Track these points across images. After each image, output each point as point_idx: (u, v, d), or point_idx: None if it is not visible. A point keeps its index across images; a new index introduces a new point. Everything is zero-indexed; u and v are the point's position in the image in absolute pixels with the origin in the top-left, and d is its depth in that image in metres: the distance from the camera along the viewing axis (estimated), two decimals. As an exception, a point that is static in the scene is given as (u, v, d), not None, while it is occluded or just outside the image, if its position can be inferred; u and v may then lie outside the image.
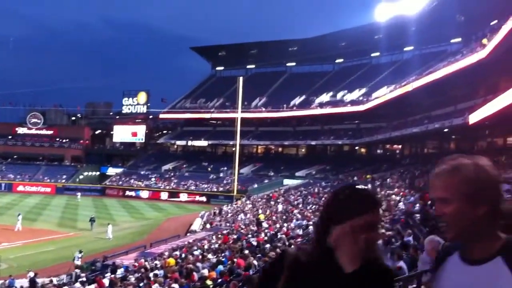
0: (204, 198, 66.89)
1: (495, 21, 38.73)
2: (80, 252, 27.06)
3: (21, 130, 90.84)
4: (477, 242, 1.73)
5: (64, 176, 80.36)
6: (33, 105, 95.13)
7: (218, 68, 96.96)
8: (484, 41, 36.33)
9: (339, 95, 72.16)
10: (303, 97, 77.53)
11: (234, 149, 67.31)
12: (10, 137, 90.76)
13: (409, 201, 26.10)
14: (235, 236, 26.81)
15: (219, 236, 29.06)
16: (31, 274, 22.83)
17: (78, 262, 26.03)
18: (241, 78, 69.47)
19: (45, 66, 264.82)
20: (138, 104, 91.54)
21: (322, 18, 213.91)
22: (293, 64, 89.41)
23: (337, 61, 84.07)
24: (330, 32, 78.23)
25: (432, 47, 66.60)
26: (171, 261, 22.49)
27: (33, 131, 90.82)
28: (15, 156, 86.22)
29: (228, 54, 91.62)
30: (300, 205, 39.72)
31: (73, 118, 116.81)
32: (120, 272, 21.86)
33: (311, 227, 22.71)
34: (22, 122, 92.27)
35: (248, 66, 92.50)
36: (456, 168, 1.73)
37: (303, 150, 79.81)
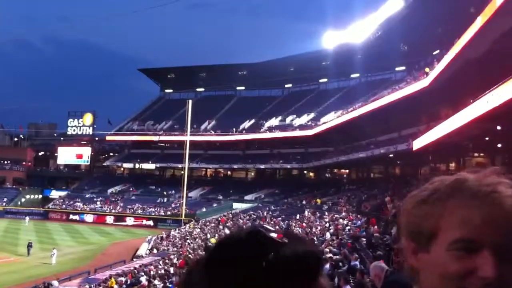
0: (151, 222, 65.67)
1: (437, 51, 40.37)
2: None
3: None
4: None
5: (5, 199, 77.27)
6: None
7: (167, 91, 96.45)
8: (427, 69, 37.74)
9: (288, 120, 73.05)
10: (253, 121, 78.02)
11: (182, 172, 66.67)
12: None
13: (356, 225, 26.49)
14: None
15: (167, 261, 28.54)
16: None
17: None
18: (190, 101, 69.26)
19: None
20: (83, 125, 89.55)
21: (271, 43, 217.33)
22: (243, 88, 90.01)
23: (286, 86, 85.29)
24: (279, 57, 79.62)
25: (378, 75, 68.73)
26: (112, 282, 21.92)
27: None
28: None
29: (177, 76, 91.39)
30: (249, 229, 39.57)
31: (16, 139, 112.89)
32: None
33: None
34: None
35: (198, 89, 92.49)
36: None
37: (252, 173, 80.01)
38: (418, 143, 33.77)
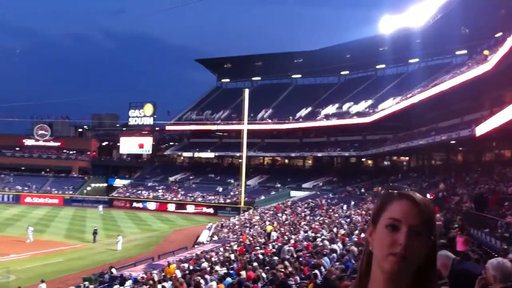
0: (211, 210, 67.00)
1: (500, 33, 38.91)
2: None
3: (28, 142, 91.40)
4: None
5: (72, 188, 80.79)
6: (40, 117, 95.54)
7: (223, 80, 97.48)
8: (486, 52, 36.45)
9: (345, 107, 72.36)
10: (309, 109, 77.76)
11: (240, 160, 67.47)
12: (17, 148, 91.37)
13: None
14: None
15: (227, 248, 29.14)
16: (43, 285, 23.02)
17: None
18: (246, 90, 69.77)
19: (52, 78, 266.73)
20: (144, 116, 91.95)
21: (327, 30, 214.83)
22: (299, 76, 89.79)
23: (342, 73, 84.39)
24: (335, 44, 78.61)
25: (437, 59, 66.85)
26: (172, 268, 22.63)
27: (41, 143, 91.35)
28: (22, 168, 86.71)
29: (233, 66, 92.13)
30: (308, 217, 39.75)
31: (80, 130, 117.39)
32: (128, 284, 21.94)
33: (318, 239, 22.78)
34: (29, 134, 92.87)
35: (254, 78, 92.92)
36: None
37: (309, 161, 79.93)
38: (481, 129, 32.84)
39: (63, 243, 41.11)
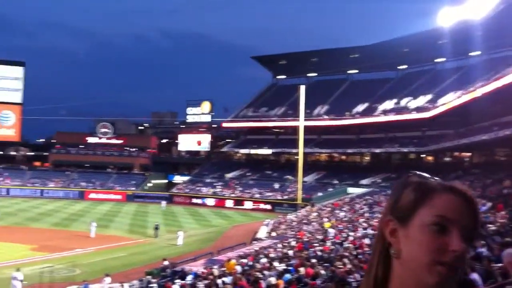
0: (268, 206, 67.45)
1: None
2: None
3: (91, 140, 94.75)
4: None
5: (134, 183, 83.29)
6: (103, 115, 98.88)
7: (279, 77, 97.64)
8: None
9: (403, 102, 71.02)
10: (366, 104, 76.81)
11: (297, 157, 67.51)
12: (81, 146, 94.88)
13: (481, 210, 25.52)
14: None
15: (285, 244, 29.39)
16: (108, 279, 23.94)
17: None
18: (302, 87, 69.66)
19: (113, 78, 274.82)
20: (202, 113, 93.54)
21: (383, 24, 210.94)
22: (355, 71, 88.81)
23: (399, 67, 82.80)
24: (392, 38, 77.16)
25: (500, 52, 64.40)
26: (232, 263, 23.03)
27: (103, 141, 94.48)
28: (86, 165, 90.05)
29: (288, 62, 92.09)
30: (366, 214, 39.45)
31: (141, 127, 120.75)
32: (189, 278, 22.51)
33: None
34: (92, 132, 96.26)
35: (309, 74, 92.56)
36: None
37: (367, 158, 78.99)
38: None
39: (126, 238, 42.48)
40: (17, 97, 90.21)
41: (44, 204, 67.01)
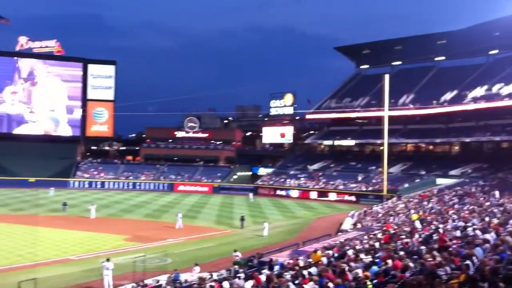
0: (353, 198, 66.80)
1: None
2: (235, 250, 28.22)
3: (179, 134, 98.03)
4: None
5: (219, 176, 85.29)
6: (190, 110, 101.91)
7: (362, 67, 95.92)
8: None
9: (494, 89, 67.48)
10: (454, 92, 73.78)
11: (382, 148, 66.16)
12: (170, 140, 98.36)
13: None
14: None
15: (371, 236, 29.03)
16: (197, 268, 24.77)
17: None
18: (387, 76, 67.92)
19: (199, 73, 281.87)
20: (285, 105, 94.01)
21: (472, 7, 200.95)
22: (442, 58, 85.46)
23: (490, 52, 78.64)
24: (482, 22, 73.36)
25: None
26: (318, 254, 23.03)
27: (190, 135, 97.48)
28: (175, 158, 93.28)
29: (372, 52, 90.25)
30: (456, 206, 38.07)
31: (226, 121, 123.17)
32: (276, 269, 22.81)
33: (469, 229, 21.87)
34: (180, 127, 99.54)
35: (394, 63, 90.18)
36: None
37: (456, 148, 75.95)
38: None
39: (214, 229, 43.66)
40: (110, 95, 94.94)
41: (136, 196, 70.28)
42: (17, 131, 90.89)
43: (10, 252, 30.61)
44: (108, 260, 24.23)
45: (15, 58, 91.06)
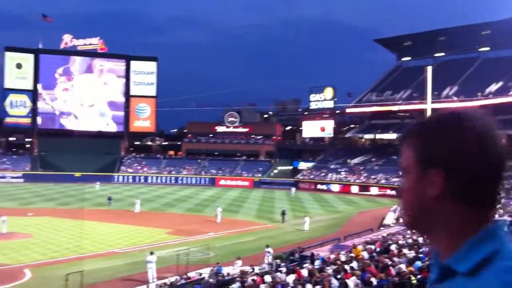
0: (395, 192, 65.90)
1: None
2: (267, 246, 28.04)
3: (220, 129, 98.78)
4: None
5: (260, 170, 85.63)
6: (230, 105, 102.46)
7: (404, 59, 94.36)
8: None
9: (543, 79, 65.43)
10: (500, 83, 71.82)
11: (425, 141, 64.99)
12: (211, 135, 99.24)
13: None
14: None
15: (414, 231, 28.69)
16: (239, 262, 25.07)
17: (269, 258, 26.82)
18: (429, 68, 66.59)
19: (239, 68, 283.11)
20: (325, 99, 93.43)
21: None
22: (486, 49, 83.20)
23: (538, 42, 76.11)
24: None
25: None
26: (359, 249, 22.95)
27: (231, 129, 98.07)
28: (216, 153, 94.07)
29: (414, 43, 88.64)
30: (503, 200, 37.23)
31: (265, 115, 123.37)
32: (317, 263, 22.87)
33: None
34: (220, 122, 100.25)
35: (436, 55, 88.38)
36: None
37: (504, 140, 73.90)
38: None
39: (254, 223, 43.95)
40: (152, 91, 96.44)
41: (178, 190, 71.32)
42: (65, 127, 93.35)
43: (58, 246, 31.62)
44: (151, 253, 24.77)
45: (65, 56, 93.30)
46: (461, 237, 1.18)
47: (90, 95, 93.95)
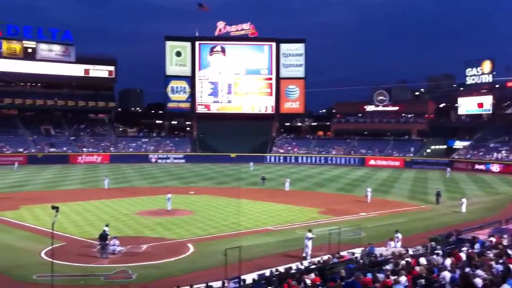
0: None
1: None
2: (310, 230, 25.93)
3: (369, 108, 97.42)
4: None
5: (412, 150, 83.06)
6: (379, 83, 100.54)
7: None
8: None
9: None
10: None
11: None
12: (359, 115, 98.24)
13: None
14: None
15: None
16: (392, 243, 24.86)
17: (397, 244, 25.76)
18: None
19: (386, 47, 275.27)
20: (482, 73, 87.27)
21: None
22: None
23: None
24: None
25: None
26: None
27: (380, 108, 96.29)
28: (365, 133, 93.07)
29: None
30: None
31: (416, 93, 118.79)
32: (476, 247, 21.92)
33: None
34: (369, 101, 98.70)
35: None
36: None
37: None
38: None
39: (407, 204, 42.98)
40: (300, 72, 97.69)
41: (328, 170, 72.00)
42: (221, 110, 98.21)
43: (217, 222, 33.78)
44: (310, 230, 25.53)
45: (219, 42, 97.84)
46: None
47: (243, 80, 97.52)
